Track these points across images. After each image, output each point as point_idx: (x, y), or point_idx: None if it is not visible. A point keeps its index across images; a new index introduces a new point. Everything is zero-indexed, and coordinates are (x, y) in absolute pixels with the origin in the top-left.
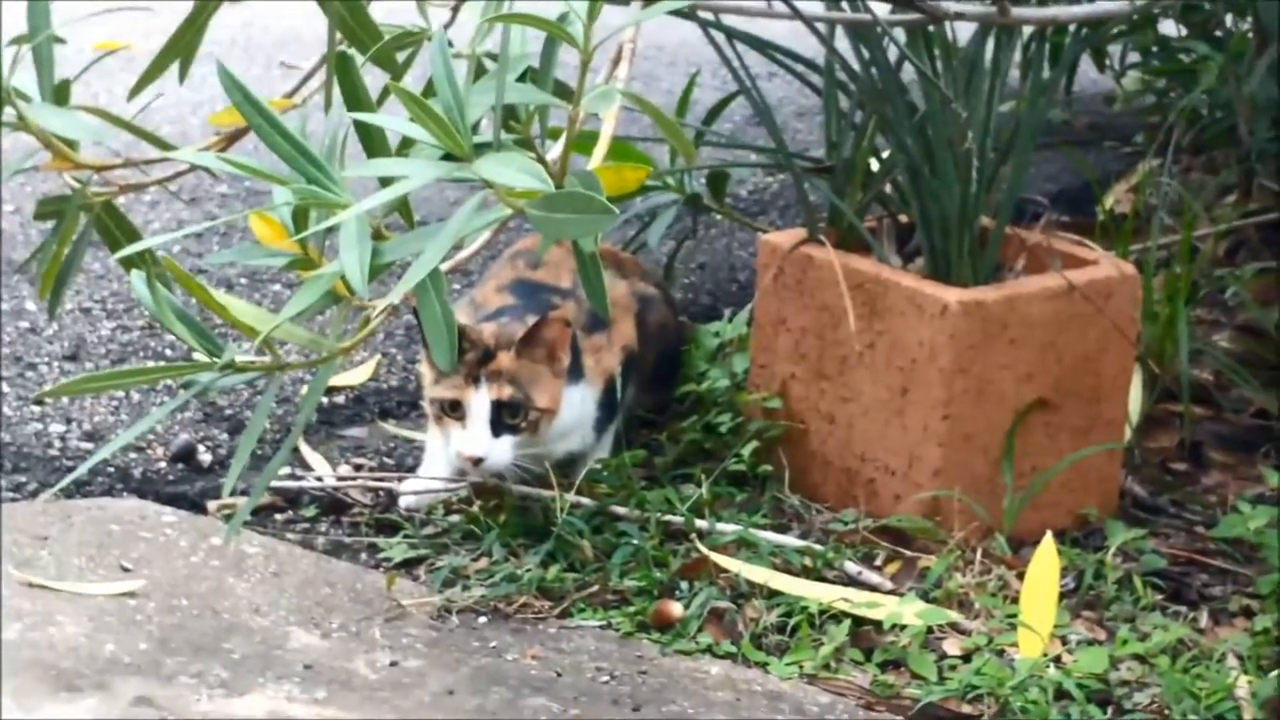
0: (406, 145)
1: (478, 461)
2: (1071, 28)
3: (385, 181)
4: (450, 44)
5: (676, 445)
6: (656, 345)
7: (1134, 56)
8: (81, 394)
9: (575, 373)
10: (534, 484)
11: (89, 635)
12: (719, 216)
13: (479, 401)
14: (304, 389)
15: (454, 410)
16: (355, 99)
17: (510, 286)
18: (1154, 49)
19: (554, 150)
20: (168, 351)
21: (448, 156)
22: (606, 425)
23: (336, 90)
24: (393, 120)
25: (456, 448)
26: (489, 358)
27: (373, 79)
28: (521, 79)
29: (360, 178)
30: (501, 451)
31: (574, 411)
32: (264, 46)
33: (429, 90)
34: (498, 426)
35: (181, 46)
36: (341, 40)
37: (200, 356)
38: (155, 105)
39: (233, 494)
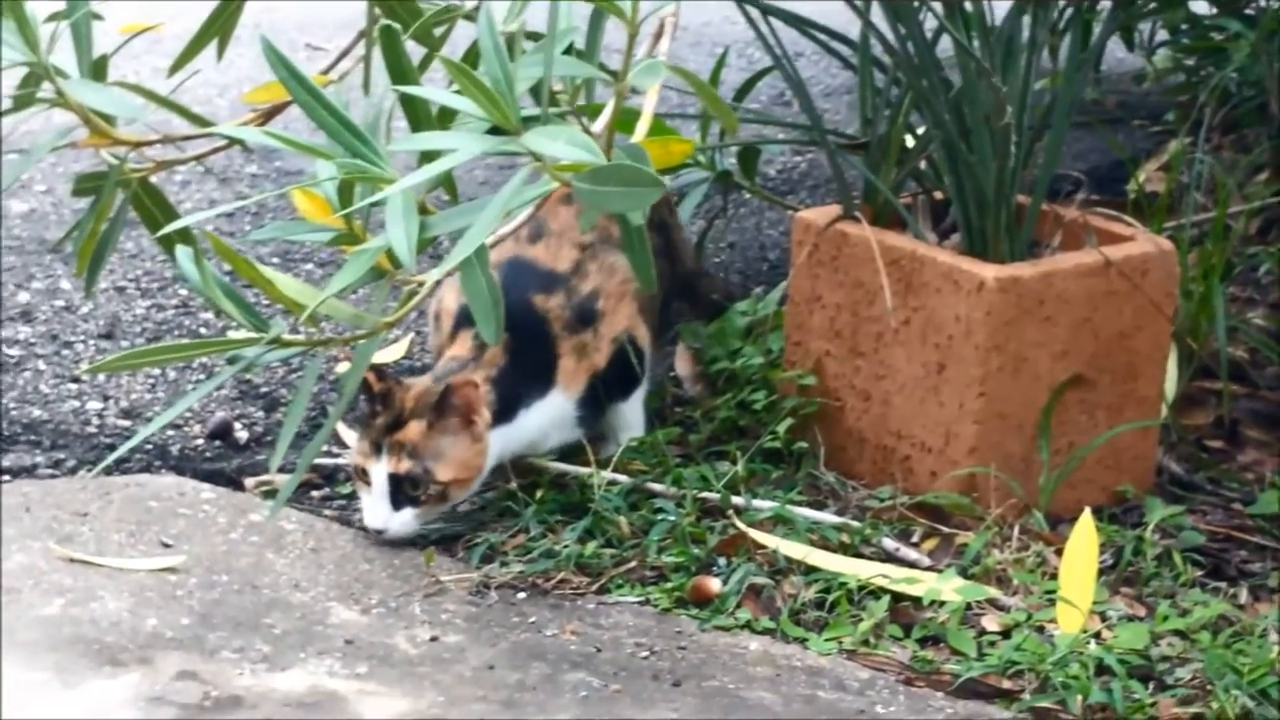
0: (445, 122)
1: (379, 533)
2: (1104, 4)
3: (428, 156)
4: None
5: (711, 423)
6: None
7: (1163, 34)
8: (122, 371)
9: (545, 382)
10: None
11: (131, 610)
12: (749, 195)
13: (378, 474)
14: (337, 367)
15: (363, 476)
16: (400, 72)
17: (504, 266)
18: (1184, 26)
19: (597, 124)
20: (202, 330)
21: (493, 130)
22: (600, 413)
23: (377, 65)
24: (440, 93)
25: (363, 515)
26: (397, 425)
27: None
28: (565, 54)
29: (401, 153)
30: (403, 523)
31: (541, 422)
32: (285, 30)
33: (472, 63)
34: (398, 498)
35: (219, 26)
36: (379, 16)
37: (236, 333)
38: (183, 87)
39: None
